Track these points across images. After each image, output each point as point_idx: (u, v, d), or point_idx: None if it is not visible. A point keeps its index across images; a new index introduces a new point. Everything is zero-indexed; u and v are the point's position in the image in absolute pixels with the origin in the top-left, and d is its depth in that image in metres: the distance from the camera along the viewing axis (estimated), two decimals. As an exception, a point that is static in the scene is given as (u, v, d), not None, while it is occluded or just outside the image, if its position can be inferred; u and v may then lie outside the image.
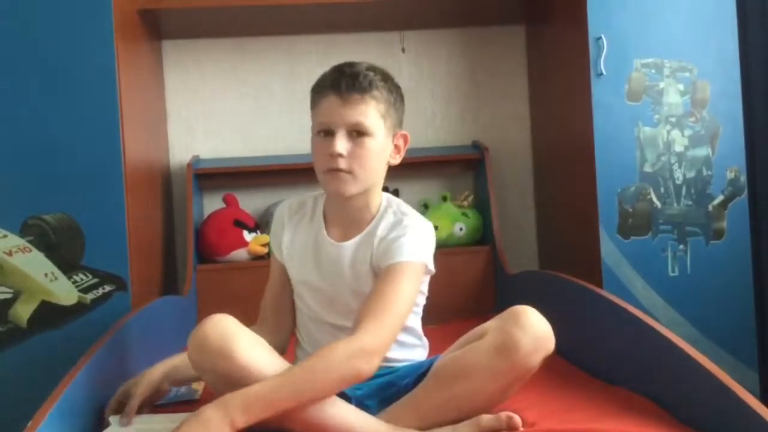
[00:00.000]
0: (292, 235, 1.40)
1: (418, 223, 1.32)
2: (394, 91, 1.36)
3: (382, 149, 1.31)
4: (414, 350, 1.40)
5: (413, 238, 1.28)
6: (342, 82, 1.28)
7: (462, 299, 2.44)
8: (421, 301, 1.40)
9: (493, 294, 2.52)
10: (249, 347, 1.17)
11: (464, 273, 2.47)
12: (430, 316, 1.46)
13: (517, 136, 2.80)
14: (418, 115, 2.81)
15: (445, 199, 2.65)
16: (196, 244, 2.52)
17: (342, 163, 1.26)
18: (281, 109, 2.72)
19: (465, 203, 2.65)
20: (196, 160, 2.64)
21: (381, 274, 1.26)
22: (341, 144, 1.26)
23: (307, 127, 1.38)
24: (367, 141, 1.28)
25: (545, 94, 2.62)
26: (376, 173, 1.33)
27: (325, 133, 1.28)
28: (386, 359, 1.33)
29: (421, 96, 2.81)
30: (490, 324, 1.20)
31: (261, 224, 2.60)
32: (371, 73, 1.30)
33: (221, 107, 2.73)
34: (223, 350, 1.14)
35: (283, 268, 1.41)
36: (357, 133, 1.28)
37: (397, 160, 1.36)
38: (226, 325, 1.17)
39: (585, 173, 2.24)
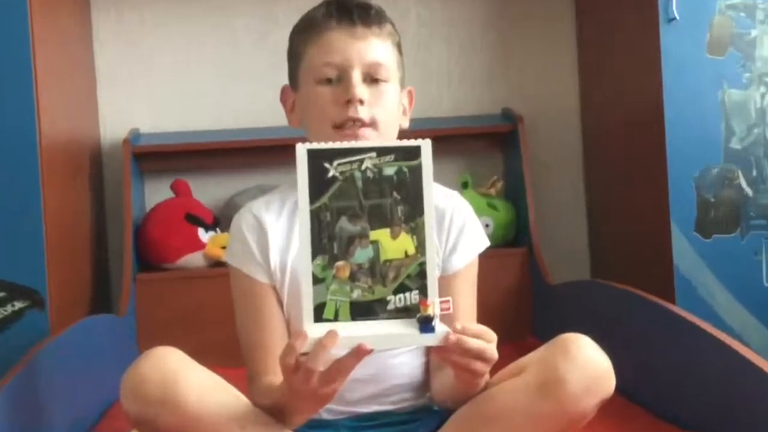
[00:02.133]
0: (286, 239, 1.37)
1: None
2: (399, 36, 1.38)
3: (398, 103, 1.34)
4: (428, 387, 1.41)
5: (473, 216, 1.40)
6: (353, 12, 1.31)
7: (488, 318, 2.39)
8: None
9: (530, 311, 2.57)
10: (201, 393, 1.17)
11: (491, 283, 2.45)
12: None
13: (561, 102, 2.83)
14: (430, 74, 2.81)
15: (465, 185, 2.68)
16: (136, 246, 2.54)
17: (363, 112, 1.28)
18: (250, 69, 2.72)
19: (492, 191, 2.68)
20: (135, 134, 2.65)
21: (451, 279, 1.34)
22: (361, 88, 1.28)
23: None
24: (387, 88, 1.32)
25: (599, 47, 2.65)
26: (395, 132, 1.36)
27: (330, 79, 1.30)
28: (393, 401, 1.34)
29: (434, 48, 2.82)
30: (530, 357, 1.21)
31: (221, 219, 2.61)
32: (376, 7, 1.34)
33: (167, 65, 2.73)
34: (167, 398, 1.15)
35: (273, 294, 1.37)
36: (372, 79, 1.30)
37: (406, 123, 1.39)
38: (171, 364, 1.18)
39: (652, 151, 2.27)
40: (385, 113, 1.30)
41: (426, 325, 1.02)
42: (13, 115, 1.93)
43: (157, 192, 2.70)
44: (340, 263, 1.06)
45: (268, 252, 1.35)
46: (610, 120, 2.62)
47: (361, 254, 1.07)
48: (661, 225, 2.23)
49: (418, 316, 1.03)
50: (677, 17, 2.21)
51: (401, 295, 1.05)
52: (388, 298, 1.05)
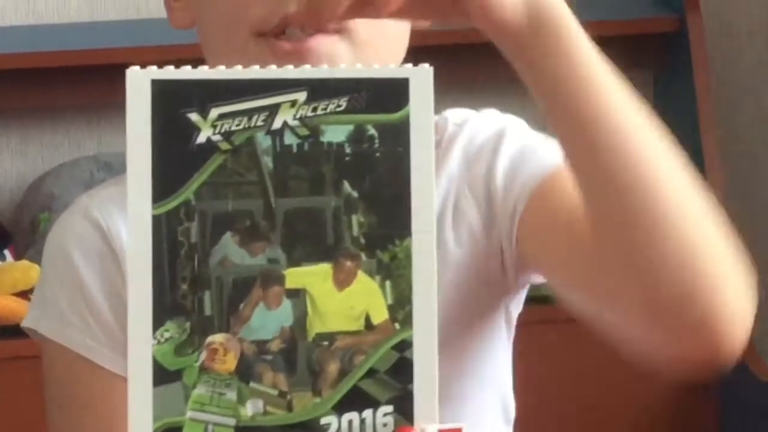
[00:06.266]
0: None
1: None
2: None
3: None
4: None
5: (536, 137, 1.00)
6: None
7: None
8: (514, 320, 1.05)
9: (714, 414, 2.09)
10: None
11: (630, 363, 2.05)
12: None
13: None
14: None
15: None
16: None
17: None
18: None
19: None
20: None
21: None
22: None
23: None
24: None
25: None
26: (398, 41, 0.95)
27: None
28: None
29: None
30: None
31: (13, 232, 1.97)
32: None
33: None
34: None
35: None
36: None
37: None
38: None
39: None
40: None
41: None
42: None
43: None
44: (217, 338, 0.63)
45: (125, 299, 0.94)
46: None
47: (266, 319, 0.64)
48: None
49: None
50: None
51: (351, 416, 0.64)
52: (325, 420, 0.64)
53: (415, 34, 0.96)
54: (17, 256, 1.85)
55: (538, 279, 0.93)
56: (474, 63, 1.76)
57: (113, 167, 1.86)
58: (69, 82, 2.02)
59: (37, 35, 2.02)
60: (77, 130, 2.08)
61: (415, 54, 0.85)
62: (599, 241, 0.76)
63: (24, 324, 1.00)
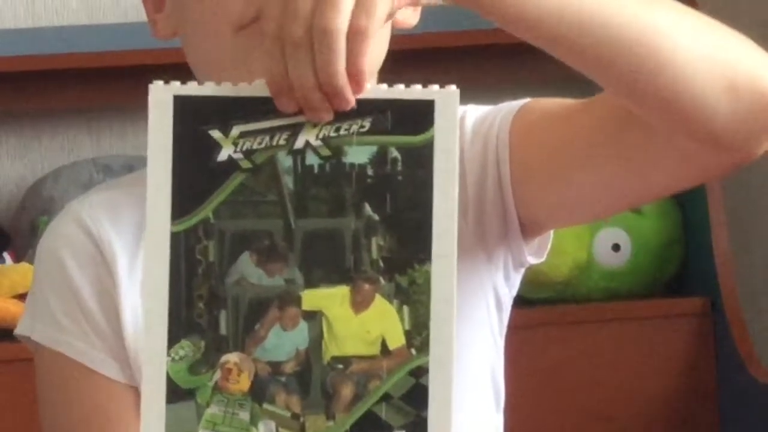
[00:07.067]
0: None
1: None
2: None
3: None
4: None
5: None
6: None
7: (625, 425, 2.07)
8: (506, 303, 1.06)
9: (713, 418, 2.07)
10: None
11: (637, 366, 2.07)
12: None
13: None
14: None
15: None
16: None
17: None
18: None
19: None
20: None
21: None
22: None
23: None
24: None
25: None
26: (382, 51, 0.96)
27: None
28: None
29: None
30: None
31: (11, 233, 1.99)
32: None
33: None
34: None
35: (134, 401, 1.01)
36: None
37: (413, 20, 0.99)
38: None
39: None
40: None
41: None
42: None
43: None
44: (231, 358, 0.64)
45: (119, 307, 0.96)
46: None
47: (282, 340, 0.65)
48: None
49: None
50: None
51: None
52: None
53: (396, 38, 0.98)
54: (17, 259, 1.87)
55: (538, 233, 0.96)
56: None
57: (112, 170, 1.89)
58: (67, 85, 2.03)
59: (35, 37, 2.04)
60: (76, 133, 2.09)
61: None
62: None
63: (17, 332, 1.00)
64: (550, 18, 0.75)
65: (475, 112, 0.98)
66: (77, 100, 2.08)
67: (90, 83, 2.06)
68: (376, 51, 0.91)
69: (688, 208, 2.19)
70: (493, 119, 0.96)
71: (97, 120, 2.08)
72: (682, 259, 2.17)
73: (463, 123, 0.97)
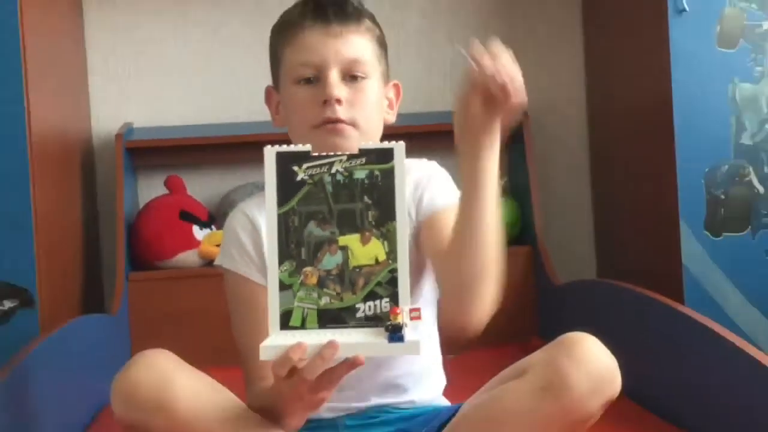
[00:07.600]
0: None
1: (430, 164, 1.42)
2: (380, 29, 1.40)
3: (379, 98, 1.36)
4: (431, 380, 1.42)
5: (443, 176, 1.39)
6: (328, 10, 1.33)
7: (492, 318, 2.44)
8: (434, 297, 1.44)
9: (535, 312, 2.58)
10: (194, 396, 1.20)
11: None
12: (447, 342, 1.46)
13: (567, 95, 2.83)
14: (432, 66, 2.81)
15: (468, 182, 2.64)
16: (129, 244, 2.55)
17: (342, 112, 1.31)
18: (244, 60, 2.71)
19: (495, 187, 2.64)
20: (128, 129, 2.66)
21: (441, 215, 1.32)
22: (339, 87, 1.31)
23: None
24: (366, 84, 1.34)
25: (606, 40, 2.65)
26: (379, 128, 1.38)
27: (308, 79, 1.33)
28: (396, 391, 1.35)
29: (436, 39, 2.81)
30: (534, 357, 1.22)
31: (216, 217, 2.61)
32: (356, 1, 1.37)
33: (162, 57, 2.73)
34: (160, 403, 1.18)
35: None
36: (351, 76, 1.32)
37: (392, 117, 1.41)
38: (163, 367, 1.20)
39: (661, 147, 2.27)
40: (366, 110, 1.32)
41: (395, 333, 1.02)
42: (2, 111, 1.93)
43: (150, 188, 2.71)
44: (308, 269, 1.06)
45: (263, 252, 1.35)
46: (617, 115, 2.62)
47: (330, 260, 1.06)
48: (670, 223, 2.24)
49: (387, 324, 1.03)
50: (687, 9, 2.21)
51: (371, 303, 1.05)
52: (358, 305, 1.05)
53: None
54: (218, 228, 2.54)
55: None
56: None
57: (258, 187, 2.45)
58: (247, 149, 2.42)
59: (245, 127, 2.65)
60: (246, 170, 2.71)
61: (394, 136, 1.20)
62: (459, 257, 1.19)
63: (215, 263, 1.40)
64: (482, 204, 1.14)
65: (425, 167, 1.38)
66: (248, 155, 2.40)
67: (253, 149, 2.61)
68: (376, 132, 1.37)
69: (523, 204, 2.70)
70: (426, 188, 1.35)
71: (260, 163, 2.62)
72: (520, 229, 2.70)
73: (420, 164, 1.40)
